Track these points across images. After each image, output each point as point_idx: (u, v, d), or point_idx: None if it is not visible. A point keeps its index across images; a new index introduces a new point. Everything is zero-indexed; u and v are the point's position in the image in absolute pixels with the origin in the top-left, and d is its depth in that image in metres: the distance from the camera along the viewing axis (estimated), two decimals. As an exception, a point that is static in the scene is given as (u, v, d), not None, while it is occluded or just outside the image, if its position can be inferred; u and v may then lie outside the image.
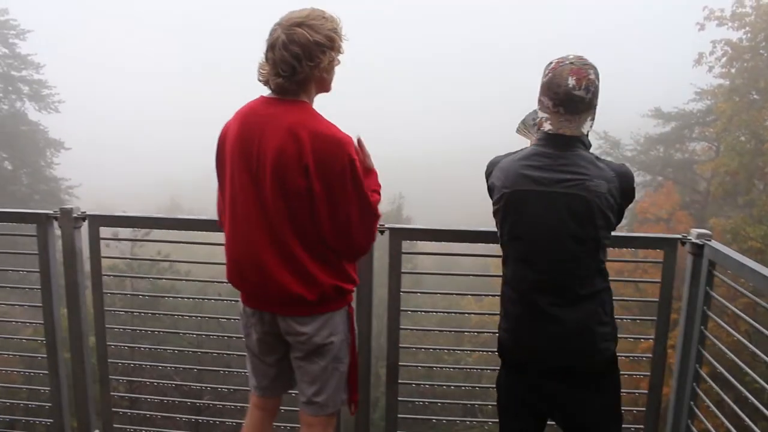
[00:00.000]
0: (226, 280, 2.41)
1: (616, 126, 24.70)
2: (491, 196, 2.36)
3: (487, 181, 2.39)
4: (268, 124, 2.17)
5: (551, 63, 2.25)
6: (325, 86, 2.27)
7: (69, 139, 28.64)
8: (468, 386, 4.41)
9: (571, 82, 2.17)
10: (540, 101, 2.27)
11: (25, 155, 27.06)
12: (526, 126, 2.57)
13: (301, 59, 2.09)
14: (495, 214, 2.37)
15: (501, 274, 2.43)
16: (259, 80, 2.22)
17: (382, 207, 2.41)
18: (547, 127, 2.23)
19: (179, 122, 67.30)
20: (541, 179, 2.21)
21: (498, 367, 2.52)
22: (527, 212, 2.24)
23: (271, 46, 2.13)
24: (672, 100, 25.46)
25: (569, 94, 2.17)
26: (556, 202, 2.19)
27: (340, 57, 2.23)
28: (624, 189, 2.22)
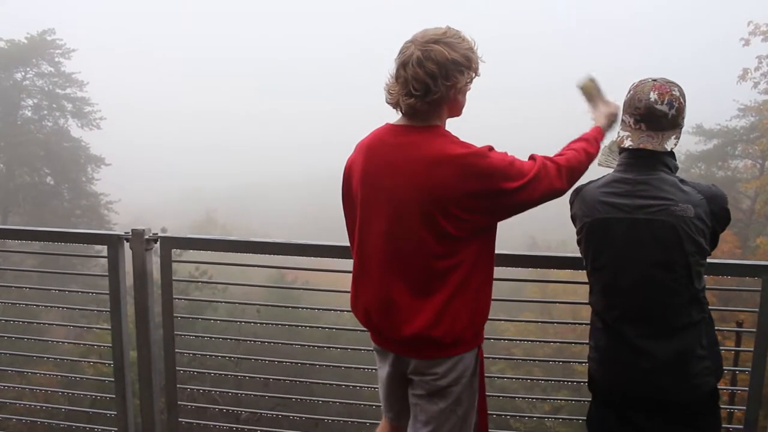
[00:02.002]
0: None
1: (656, 143, 24.23)
2: (574, 225, 2.28)
3: (570, 210, 2.31)
4: (401, 156, 2.03)
5: (634, 82, 2.19)
6: (457, 110, 2.12)
7: (107, 154, 29.30)
8: (554, 417, 4.19)
9: (653, 96, 2.10)
10: (622, 121, 2.21)
11: (66, 171, 27.74)
12: (611, 151, 2.43)
13: (436, 77, 1.95)
14: (579, 243, 2.29)
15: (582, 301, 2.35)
16: (388, 102, 2.07)
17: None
18: (627, 143, 2.15)
19: (207, 137, 68.56)
20: (621, 206, 2.12)
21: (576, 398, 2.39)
22: (609, 241, 2.15)
23: (403, 64, 1.99)
24: (714, 117, 24.98)
25: (650, 108, 2.10)
26: (640, 229, 2.09)
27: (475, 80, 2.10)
28: (715, 212, 2.10)
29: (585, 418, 2.41)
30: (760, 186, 21.29)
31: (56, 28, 29.08)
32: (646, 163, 2.13)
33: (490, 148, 2.03)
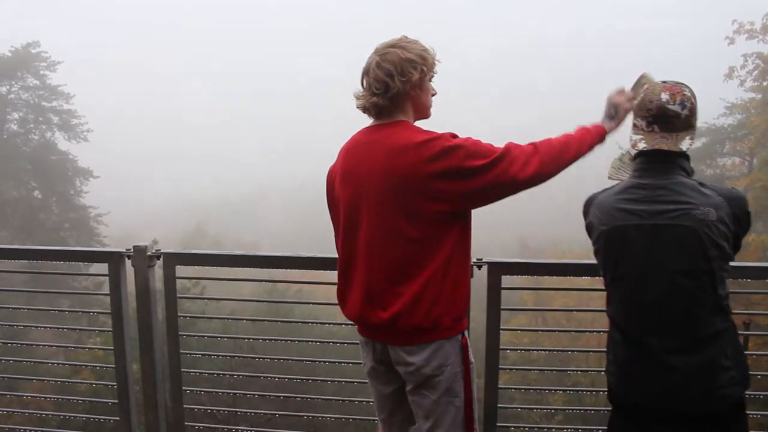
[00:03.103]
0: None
1: (645, 142, 24.47)
2: (590, 235, 2.21)
3: (585, 220, 2.25)
4: (372, 150, 2.18)
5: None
6: (422, 109, 2.27)
7: (95, 166, 29.05)
8: (572, 428, 4.11)
9: (665, 96, 2.07)
10: (633, 126, 2.16)
11: (54, 184, 27.48)
12: (622, 163, 2.36)
13: (393, 75, 2.14)
14: (596, 254, 2.21)
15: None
16: (357, 107, 2.25)
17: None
18: (641, 146, 2.09)
19: (195, 147, 68.38)
20: (640, 212, 2.05)
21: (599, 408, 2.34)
22: (629, 249, 2.08)
23: (366, 71, 2.21)
24: (701, 115, 24.95)
25: (663, 109, 2.06)
26: (660, 235, 2.02)
27: (436, 86, 2.27)
28: (737, 214, 2.03)
29: (589, 427, 2.35)
30: (749, 183, 21.37)
31: (41, 41, 28.92)
32: (662, 167, 2.08)
33: (453, 135, 2.15)
